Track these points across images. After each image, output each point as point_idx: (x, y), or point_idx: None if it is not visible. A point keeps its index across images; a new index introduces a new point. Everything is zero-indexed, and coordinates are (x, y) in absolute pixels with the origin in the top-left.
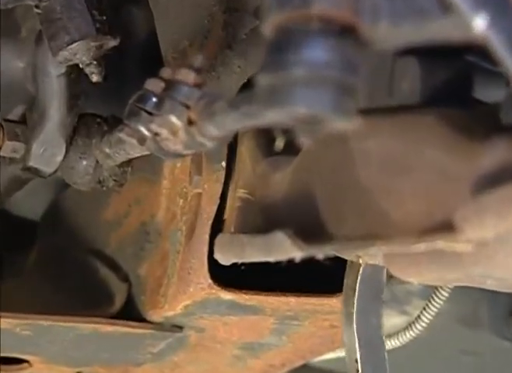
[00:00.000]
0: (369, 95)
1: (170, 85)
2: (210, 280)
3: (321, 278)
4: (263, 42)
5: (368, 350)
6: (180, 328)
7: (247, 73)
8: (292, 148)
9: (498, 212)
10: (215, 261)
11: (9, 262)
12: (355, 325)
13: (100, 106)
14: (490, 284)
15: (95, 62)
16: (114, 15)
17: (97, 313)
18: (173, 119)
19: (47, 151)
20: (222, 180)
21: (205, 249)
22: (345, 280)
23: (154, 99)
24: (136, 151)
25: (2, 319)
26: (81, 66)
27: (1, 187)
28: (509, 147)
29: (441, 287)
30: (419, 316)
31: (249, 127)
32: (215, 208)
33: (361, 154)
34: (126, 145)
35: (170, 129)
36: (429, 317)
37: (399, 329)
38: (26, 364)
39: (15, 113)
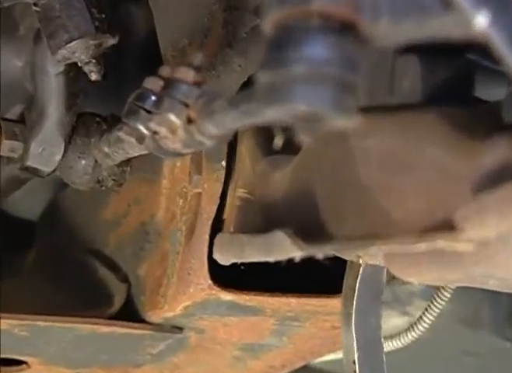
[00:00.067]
0: (370, 93)
1: (169, 83)
2: (210, 281)
3: (322, 279)
4: (263, 39)
5: (366, 351)
6: (179, 329)
7: (248, 72)
8: (291, 147)
9: (499, 211)
10: (215, 261)
11: (7, 262)
12: (353, 326)
13: (99, 105)
14: (492, 285)
15: (94, 61)
16: (113, 14)
17: (96, 314)
18: (172, 117)
19: (46, 150)
20: (223, 180)
21: (205, 249)
22: (344, 281)
23: (153, 98)
24: (135, 150)
25: (0, 320)
26: (80, 64)
27: None
28: (510, 146)
29: (443, 288)
30: (420, 317)
31: (249, 125)
32: (215, 208)
33: (361, 152)
34: (125, 144)
35: (168, 127)
36: (431, 318)
37: (401, 329)
38: (24, 366)
39: (14, 112)
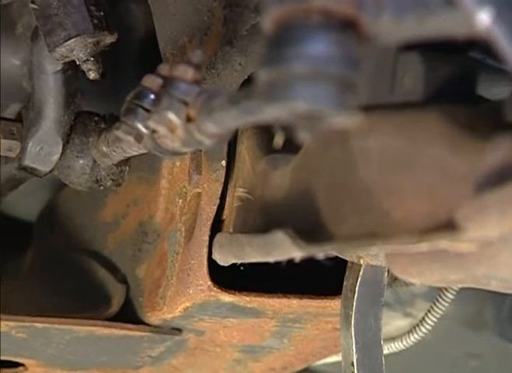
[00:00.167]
0: (371, 91)
1: (168, 81)
2: (210, 282)
3: (323, 280)
4: (262, 37)
5: (365, 353)
6: (179, 331)
7: (248, 70)
8: (292, 146)
9: (501, 211)
10: (215, 262)
11: (5, 263)
12: (353, 328)
13: (97, 104)
14: (495, 286)
15: (92, 59)
16: (112, 11)
17: (94, 315)
18: (171, 116)
19: (43, 149)
20: (222, 180)
21: (205, 250)
22: (344, 282)
23: (151, 96)
24: (134, 149)
25: None
26: (78, 63)
27: None
28: None
29: (446, 289)
30: (423, 319)
31: (249, 123)
32: (214, 208)
33: (362, 151)
34: (123, 143)
35: (167, 126)
36: (434, 319)
37: (403, 331)
38: (21, 368)
39: (11, 111)
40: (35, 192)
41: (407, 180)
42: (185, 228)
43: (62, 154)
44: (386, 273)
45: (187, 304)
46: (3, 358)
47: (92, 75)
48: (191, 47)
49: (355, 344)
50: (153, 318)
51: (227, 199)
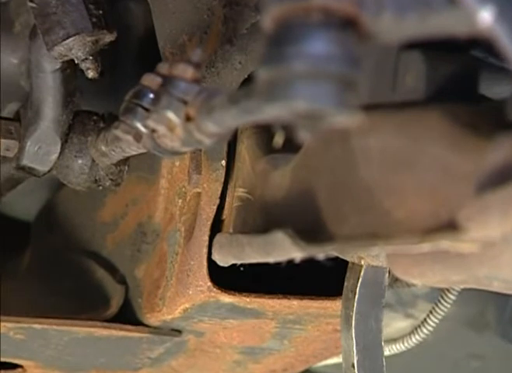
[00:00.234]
0: (372, 90)
1: (167, 80)
2: (209, 283)
3: (324, 281)
4: (262, 35)
5: (366, 355)
6: (178, 332)
7: (248, 69)
8: (292, 146)
9: (503, 211)
10: (215, 263)
11: (3, 263)
12: (353, 329)
13: (96, 103)
14: (497, 286)
15: (91, 57)
16: (111, 10)
17: (93, 316)
18: (171, 115)
19: (42, 149)
20: (222, 179)
21: (205, 250)
22: (345, 282)
23: (151, 95)
24: (133, 148)
25: None
26: (76, 61)
27: None
28: None
29: (448, 290)
30: (425, 320)
31: (249, 123)
32: (214, 208)
33: (363, 151)
34: (122, 143)
35: (167, 125)
36: (436, 320)
37: (405, 332)
38: (20, 370)
39: (9, 110)
40: (33, 192)
41: (408, 179)
42: (185, 228)
43: (61, 153)
44: (387, 274)
45: (187, 305)
46: (1, 360)
47: (90, 74)
48: (190, 46)
49: (356, 346)
50: (152, 319)
51: (227, 199)
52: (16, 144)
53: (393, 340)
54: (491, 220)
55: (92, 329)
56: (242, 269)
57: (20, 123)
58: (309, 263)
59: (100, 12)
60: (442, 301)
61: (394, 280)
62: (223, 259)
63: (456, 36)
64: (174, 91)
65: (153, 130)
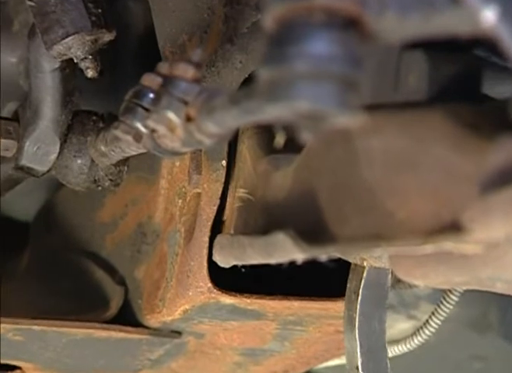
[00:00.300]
0: (374, 91)
1: (168, 80)
2: (210, 284)
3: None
4: (263, 35)
5: (370, 356)
6: (178, 333)
7: (249, 68)
8: (293, 146)
9: (506, 212)
10: (215, 264)
11: (1, 264)
12: (357, 331)
13: (96, 103)
14: (500, 288)
15: (90, 57)
16: (110, 8)
17: (92, 318)
18: (171, 115)
19: (41, 149)
20: (223, 180)
21: (205, 251)
22: (348, 284)
23: (151, 95)
24: (132, 149)
25: None
26: (76, 61)
27: None
28: None
29: (450, 292)
30: (427, 321)
31: (250, 123)
32: (214, 209)
33: (365, 152)
34: (122, 143)
35: (167, 125)
36: (438, 322)
37: (407, 334)
38: (18, 371)
39: (8, 110)
40: (32, 192)
41: (411, 180)
42: (185, 228)
43: (60, 153)
44: (390, 276)
45: (187, 306)
46: (0, 361)
47: (90, 74)
48: (190, 45)
49: (360, 347)
50: (152, 320)
51: (228, 199)
52: (15, 144)
53: (395, 342)
54: (494, 221)
55: (91, 331)
56: (243, 270)
57: (19, 123)
58: (311, 264)
59: (100, 10)
60: (444, 302)
61: (397, 281)
62: (224, 261)
63: (459, 36)
64: (175, 91)
65: (153, 131)
